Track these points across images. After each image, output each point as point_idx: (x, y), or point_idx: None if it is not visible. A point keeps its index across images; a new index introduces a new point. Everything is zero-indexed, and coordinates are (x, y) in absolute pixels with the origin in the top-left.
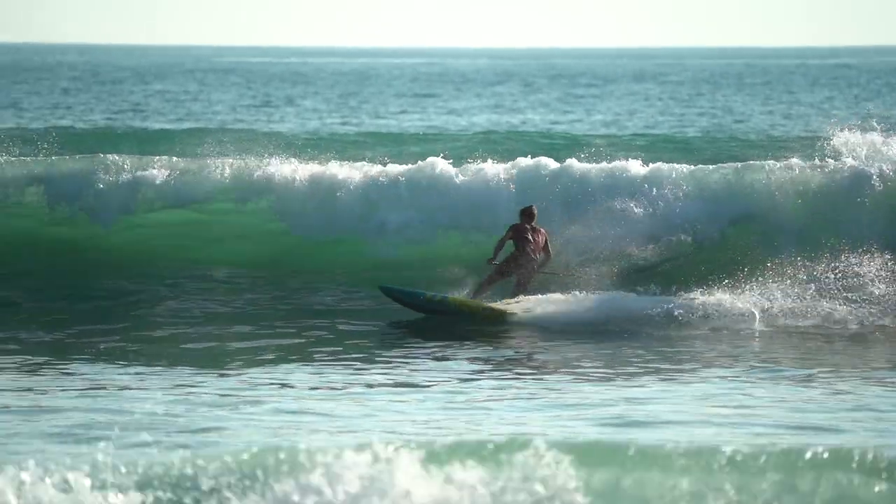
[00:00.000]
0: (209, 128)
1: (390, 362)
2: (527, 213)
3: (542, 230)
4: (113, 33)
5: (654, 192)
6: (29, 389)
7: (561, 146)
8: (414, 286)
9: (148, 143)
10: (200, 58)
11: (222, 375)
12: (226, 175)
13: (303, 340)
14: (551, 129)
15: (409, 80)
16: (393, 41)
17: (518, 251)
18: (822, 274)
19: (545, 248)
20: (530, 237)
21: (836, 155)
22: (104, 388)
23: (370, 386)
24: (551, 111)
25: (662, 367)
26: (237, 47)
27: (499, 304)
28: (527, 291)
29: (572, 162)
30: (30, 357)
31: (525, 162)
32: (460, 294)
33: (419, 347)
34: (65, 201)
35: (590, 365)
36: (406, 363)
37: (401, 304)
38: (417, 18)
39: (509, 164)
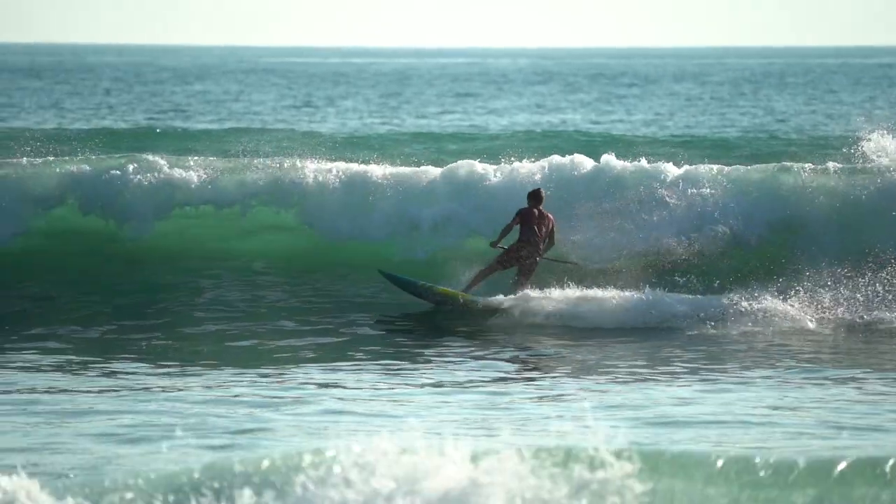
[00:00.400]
0: (251, 128)
1: (430, 361)
2: (535, 196)
3: (550, 216)
4: (153, 34)
5: (688, 193)
6: (66, 390)
7: (600, 145)
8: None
9: (188, 141)
10: (242, 58)
11: (263, 375)
12: (261, 176)
13: (342, 339)
14: (591, 129)
15: (450, 79)
16: (434, 42)
17: (522, 240)
18: (869, 281)
19: (550, 234)
20: (537, 225)
21: (873, 157)
22: (148, 389)
23: (416, 385)
24: (592, 111)
25: (702, 366)
26: (277, 48)
27: (489, 300)
28: (529, 283)
29: (609, 159)
30: (71, 356)
31: (558, 160)
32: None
33: (458, 346)
34: (102, 200)
35: (628, 365)
36: (447, 362)
37: (400, 288)
38: (458, 19)
39: (544, 161)
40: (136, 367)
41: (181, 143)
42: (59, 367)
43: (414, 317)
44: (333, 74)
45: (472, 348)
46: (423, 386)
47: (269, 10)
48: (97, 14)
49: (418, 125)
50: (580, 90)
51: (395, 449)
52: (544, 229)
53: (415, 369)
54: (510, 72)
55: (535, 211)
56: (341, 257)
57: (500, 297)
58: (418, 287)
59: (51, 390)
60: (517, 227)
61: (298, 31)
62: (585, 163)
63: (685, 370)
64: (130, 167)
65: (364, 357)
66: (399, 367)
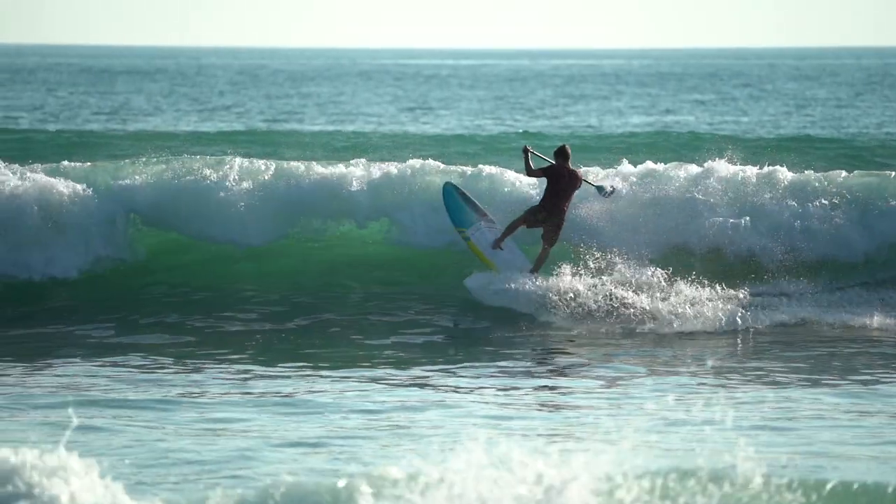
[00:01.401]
0: (364, 131)
1: (500, 366)
2: (562, 153)
3: (578, 172)
4: (260, 36)
5: (797, 201)
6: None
7: (710, 146)
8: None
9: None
10: (355, 60)
11: (343, 377)
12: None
13: (427, 342)
14: (705, 130)
15: (564, 80)
16: (547, 43)
17: (543, 203)
18: None
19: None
20: (565, 186)
21: None
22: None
23: (497, 390)
24: (706, 111)
25: (803, 366)
26: (386, 50)
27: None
28: (551, 249)
29: (717, 165)
30: (159, 366)
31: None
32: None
33: (533, 349)
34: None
35: (733, 366)
36: (514, 366)
37: (447, 209)
38: (570, 20)
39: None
40: (267, 371)
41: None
42: (152, 381)
43: (484, 318)
44: (447, 76)
45: (553, 351)
46: (506, 389)
47: (379, 13)
48: (214, 16)
49: (534, 126)
50: (694, 90)
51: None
52: (570, 190)
53: (489, 373)
54: (622, 73)
55: (565, 169)
56: (408, 264)
57: (526, 276)
58: (467, 219)
59: (224, 401)
60: (546, 188)
61: (409, 33)
62: (692, 169)
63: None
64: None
65: (443, 364)
66: (476, 371)
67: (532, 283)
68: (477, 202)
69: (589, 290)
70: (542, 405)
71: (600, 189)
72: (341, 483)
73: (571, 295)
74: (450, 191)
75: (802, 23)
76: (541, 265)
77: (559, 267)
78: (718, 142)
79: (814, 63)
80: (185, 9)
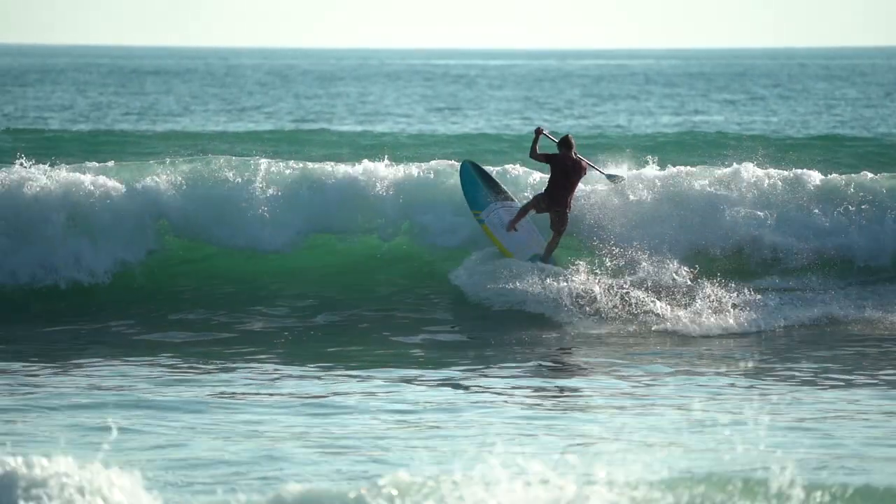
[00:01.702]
0: (392, 131)
1: (525, 366)
2: (565, 143)
3: (582, 163)
4: (289, 37)
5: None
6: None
7: (737, 145)
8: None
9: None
10: (383, 60)
11: (371, 377)
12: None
13: (472, 350)
14: (734, 130)
15: (593, 80)
16: (576, 43)
17: (547, 191)
18: None
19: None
20: (568, 174)
21: None
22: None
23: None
24: (735, 111)
25: (832, 366)
26: (421, 50)
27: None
28: (560, 237)
29: (746, 167)
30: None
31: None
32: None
33: (592, 357)
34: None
35: (794, 368)
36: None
37: (463, 189)
38: (598, 20)
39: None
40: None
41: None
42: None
43: (531, 326)
44: (476, 76)
45: (612, 360)
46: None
47: (408, 13)
48: (245, 16)
49: (558, 126)
50: (724, 90)
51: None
52: (574, 178)
53: (538, 381)
54: (652, 73)
55: (570, 159)
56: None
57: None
58: (483, 200)
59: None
60: (549, 178)
61: (437, 33)
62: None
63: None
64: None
65: (497, 369)
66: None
67: (540, 283)
68: (497, 180)
69: (605, 291)
70: (568, 407)
71: (611, 177)
72: (352, 493)
73: (585, 297)
74: (467, 168)
75: (833, 23)
76: (551, 252)
77: (574, 265)
78: (746, 141)
79: (844, 63)
80: (216, 9)
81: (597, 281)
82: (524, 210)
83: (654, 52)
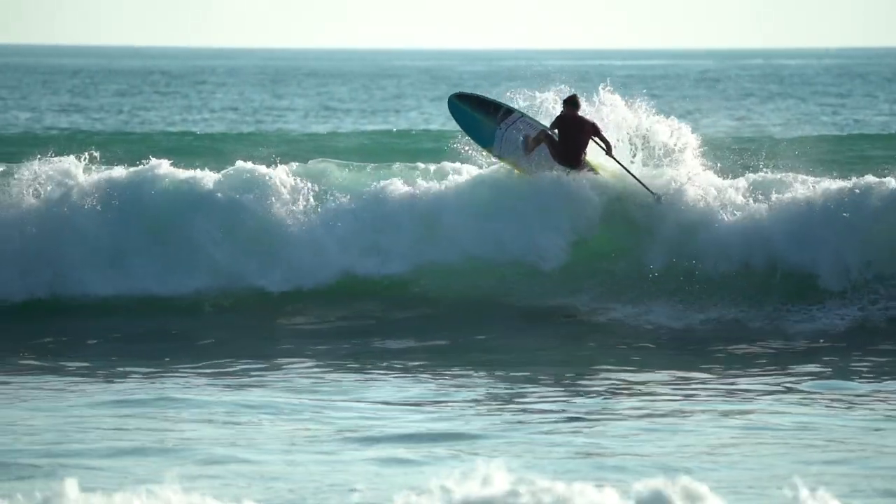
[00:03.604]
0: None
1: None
2: (571, 102)
3: (589, 122)
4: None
5: None
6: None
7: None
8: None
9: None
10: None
11: (494, 390)
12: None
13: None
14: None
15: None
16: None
17: (562, 144)
18: None
19: (602, 138)
20: (575, 133)
21: None
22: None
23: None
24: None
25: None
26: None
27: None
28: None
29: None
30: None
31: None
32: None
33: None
34: None
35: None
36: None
37: (463, 129)
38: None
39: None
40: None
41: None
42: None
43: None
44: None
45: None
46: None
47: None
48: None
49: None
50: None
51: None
52: (582, 137)
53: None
54: (808, 73)
55: (574, 118)
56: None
57: None
58: (488, 132)
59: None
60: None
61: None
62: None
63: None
64: None
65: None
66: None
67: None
68: (492, 99)
69: None
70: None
71: (656, 196)
72: None
73: None
74: (455, 105)
75: None
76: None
77: None
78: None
79: None
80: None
81: None
82: (537, 140)
83: (809, 52)
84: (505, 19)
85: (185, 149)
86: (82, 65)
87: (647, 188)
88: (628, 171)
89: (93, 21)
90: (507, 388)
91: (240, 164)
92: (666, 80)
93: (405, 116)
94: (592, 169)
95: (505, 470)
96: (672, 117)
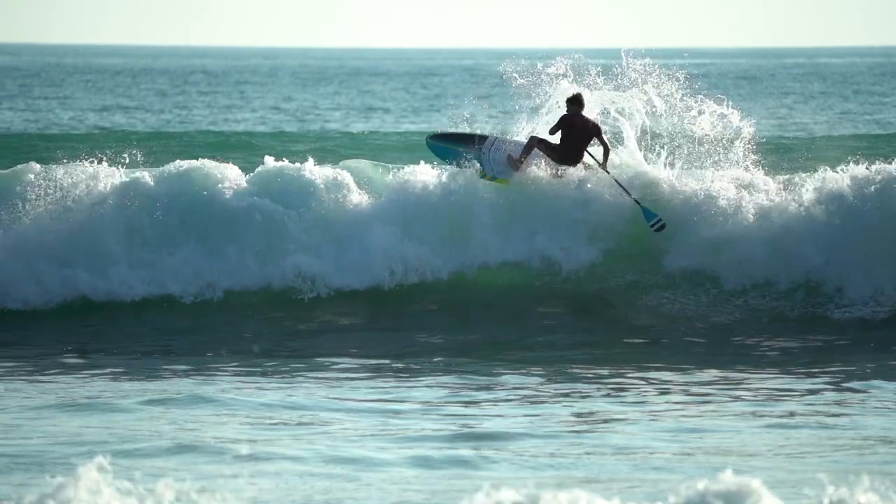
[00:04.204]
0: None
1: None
2: (575, 101)
3: (592, 121)
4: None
5: None
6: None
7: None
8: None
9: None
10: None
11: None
12: None
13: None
14: None
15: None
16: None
17: (564, 144)
18: None
19: (601, 141)
20: (579, 134)
21: None
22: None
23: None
24: None
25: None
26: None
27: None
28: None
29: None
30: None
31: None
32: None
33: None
34: None
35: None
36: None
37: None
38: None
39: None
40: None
41: None
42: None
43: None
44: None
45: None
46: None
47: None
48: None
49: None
50: None
51: None
52: (586, 138)
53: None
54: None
55: (578, 119)
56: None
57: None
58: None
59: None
60: (561, 137)
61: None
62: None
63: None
64: None
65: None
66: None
67: None
68: (463, 132)
69: None
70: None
71: (649, 216)
72: None
73: None
74: (434, 146)
75: None
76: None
77: None
78: None
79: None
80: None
81: None
82: (529, 148)
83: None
84: (546, 18)
85: (225, 146)
86: (123, 65)
87: (644, 210)
88: (621, 187)
89: (134, 21)
90: (543, 388)
91: (276, 163)
92: (707, 80)
93: (446, 115)
94: (589, 166)
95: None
96: (724, 103)
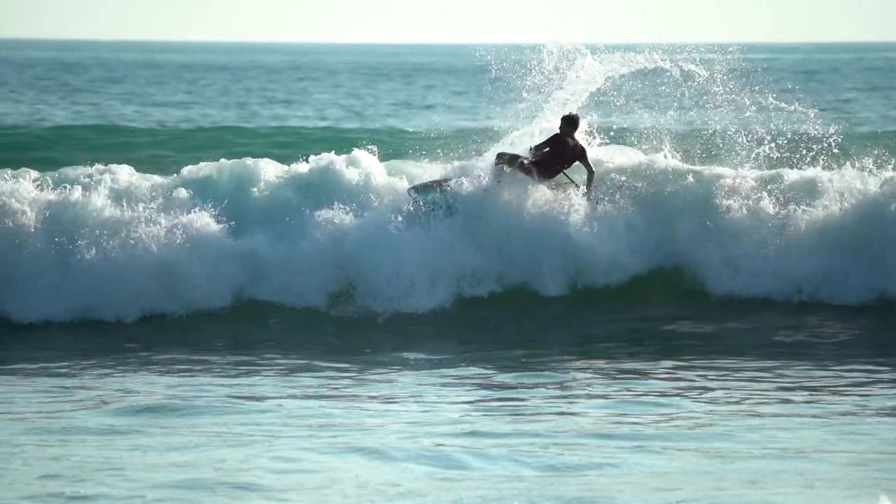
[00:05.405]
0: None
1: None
2: (571, 121)
3: (581, 145)
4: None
5: None
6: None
7: None
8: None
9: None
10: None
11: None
12: None
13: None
14: None
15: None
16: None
17: (549, 160)
18: None
19: (586, 164)
20: (565, 156)
21: None
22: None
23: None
24: None
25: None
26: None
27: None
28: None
29: None
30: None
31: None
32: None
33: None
34: None
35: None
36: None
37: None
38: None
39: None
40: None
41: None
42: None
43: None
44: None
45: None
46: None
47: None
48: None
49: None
50: None
51: None
52: (568, 159)
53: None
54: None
55: (569, 140)
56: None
57: None
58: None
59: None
60: (548, 151)
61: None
62: None
63: None
64: None
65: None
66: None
67: None
68: (428, 181)
69: None
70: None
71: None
72: None
73: None
74: (415, 197)
75: None
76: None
77: None
78: None
79: None
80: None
81: None
82: (510, 163)
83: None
84: (598, 13)
85: (284, 144)
86: (186, 60)
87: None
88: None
89: (190, 17)
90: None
91: (329, 160)
92: (769, 73)
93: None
94: (564, 185)
95: None
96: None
